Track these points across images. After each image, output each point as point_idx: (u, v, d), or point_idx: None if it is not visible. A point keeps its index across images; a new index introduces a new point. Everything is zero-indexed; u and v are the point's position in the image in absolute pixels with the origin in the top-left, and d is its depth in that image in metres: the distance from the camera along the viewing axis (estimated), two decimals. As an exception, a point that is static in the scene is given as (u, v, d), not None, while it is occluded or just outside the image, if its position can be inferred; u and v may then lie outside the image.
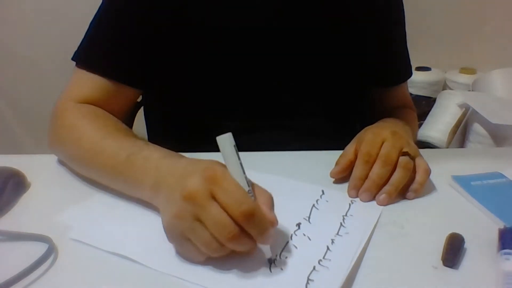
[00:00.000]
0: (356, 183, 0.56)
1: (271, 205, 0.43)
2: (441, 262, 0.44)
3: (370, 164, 0.56)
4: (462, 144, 1.49)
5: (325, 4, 0.70)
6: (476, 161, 0.68)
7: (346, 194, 0.57)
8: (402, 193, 0.56)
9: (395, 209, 0.54)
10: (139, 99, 0.95)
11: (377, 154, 0.56)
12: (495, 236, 0.47)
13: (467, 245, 0.47)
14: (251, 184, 0.43)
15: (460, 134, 1.49)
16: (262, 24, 0.67)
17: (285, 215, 0.49)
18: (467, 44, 1.81)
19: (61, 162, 0.63)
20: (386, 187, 0.55)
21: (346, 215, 0.52)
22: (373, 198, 0.56)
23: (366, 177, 0.56)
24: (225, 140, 0.42)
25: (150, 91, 0.80)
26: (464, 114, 1.48)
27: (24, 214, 0.53)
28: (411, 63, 0.86)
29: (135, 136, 0.60)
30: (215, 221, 0.40)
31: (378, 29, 0.75)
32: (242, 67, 0.69)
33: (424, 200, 0.56)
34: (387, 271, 0.44)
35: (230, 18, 0.66)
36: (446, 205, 0.55)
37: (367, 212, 0.53)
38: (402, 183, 0.56)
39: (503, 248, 0.44)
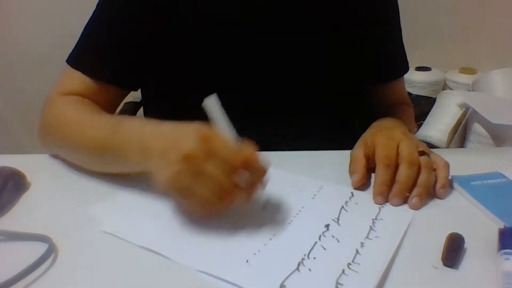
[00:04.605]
0: (382, 189, 0.55)
1: (258, 156, 0.47)
2: (441, 262, 0.44)
3: (392, 168, 0.55)
4: (462, 144, 1.48)
5: (320, 0, 0.70)
6: (476, 161, 0.68)
7: None
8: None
9: (395, 209, 0.54)
10: (139, 99, 0.95)
11: (396, 157, 0.56)
12: (495, 236, 0.47)
13: (467, 245, 0.47)
14: (239, 140, 0.47)
15: (460, 134, 1.49)
16: (257, 19, 0.67)
17: (313, 215, 0.52)
18: (467, 44, 1.81)
19: (61, 160, 0.63)
20: (416, 190, 0.54)
21: (376, 218, 0.52)
22: (404, 201, 0.54)
23: (390, 181, 0.55)
24: (212, 102, 0.46)
25: (148, 91, 0.80)
26: (464, 114, 1.48)
27: (24, 214, 0.53)
28: (411, 63, 0.86)
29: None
30: (211, 177, 0.44)
31: (374, 25, 0.75)
32: (238, 64, 0.69)
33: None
34: (387, 271, 0.44)
35: (224, 14, 0.66)
36: (446, 205, 0.55)
37: (398, 216, 0.52)
38: (431, 183, 0.55)
39: (503, 248, 0.44)
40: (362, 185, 0.58)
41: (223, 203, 0.46)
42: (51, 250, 0.45)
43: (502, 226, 0.48)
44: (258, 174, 0.47)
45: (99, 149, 0.56)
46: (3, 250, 0.46)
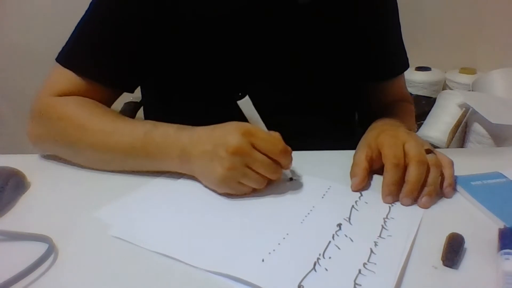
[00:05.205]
0: (391, 189, 0.55)
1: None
2: (441, 262, 0.44)
3: (401, 167, 0.55)
4: (462, 144, 1.48)
5: None
6: (476, 161, 0.68)
7: None
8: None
9: (395, 209, 0.54)
10: (139, 100, 0.95)
11: (404, 156, 0.56)
12: (495, 236, 0.47)
13: (467, 245, 0.47)
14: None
15: (460, 134, 1.49)
16: (256, 19, 0.67)
17: (324, 215, 0.52)
18: (467, 44, 1.81)
19: (61, 160, 0.63)
20: (426, 189, 0.54)
21: (387, 217, 0.52)
22: (414, 201, 0.55)
23: (399, 181, 0.55)
24: (246, 102, 0.54)
25: (147, 91, 0.80)
26: (464, 114, 1.48)
27: (24, 214, 0.53)
28: (411, 63, 0.86)
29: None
30: (261, 163, 0.53)
31: (373, 22, 0.75)
32: (237, 64, 0.69)
33: (424, 200, 0.56)
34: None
35: (223, 14, 0.66)
36: (446, 205, 0.55)
37: (408, 215, 0.52)
38: (439, 181, 0.56)
39: (503, 248, 0.44)
40: (364, 187, 0.58)
41: (275, 176, 0.55)
42: (51, 250, 0.45)
43: (502, 226, 0.48)
44: (290, 155, 0.55)
45: (129, 151, 0.58)
46: (3, 250, 0.46)
